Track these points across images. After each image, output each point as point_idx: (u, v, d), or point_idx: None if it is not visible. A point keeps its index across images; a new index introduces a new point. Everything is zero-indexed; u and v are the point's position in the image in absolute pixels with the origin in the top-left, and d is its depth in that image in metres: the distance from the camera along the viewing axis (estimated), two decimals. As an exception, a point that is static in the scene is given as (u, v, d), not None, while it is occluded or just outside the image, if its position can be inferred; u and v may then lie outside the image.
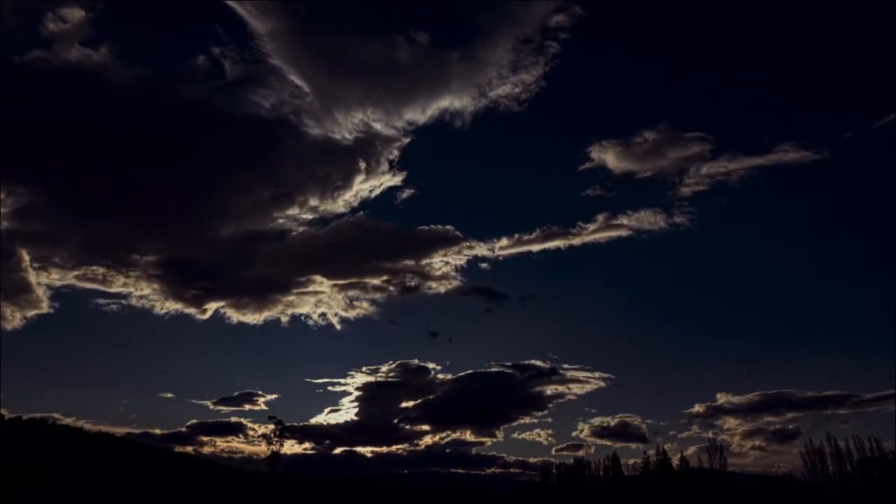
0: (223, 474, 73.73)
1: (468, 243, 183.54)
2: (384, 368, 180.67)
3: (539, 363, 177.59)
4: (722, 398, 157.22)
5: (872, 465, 74.26)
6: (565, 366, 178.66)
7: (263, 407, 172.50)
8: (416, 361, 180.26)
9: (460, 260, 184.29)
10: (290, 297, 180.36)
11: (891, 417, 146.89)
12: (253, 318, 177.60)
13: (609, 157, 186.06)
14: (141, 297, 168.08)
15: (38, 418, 65.82)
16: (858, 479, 73.96)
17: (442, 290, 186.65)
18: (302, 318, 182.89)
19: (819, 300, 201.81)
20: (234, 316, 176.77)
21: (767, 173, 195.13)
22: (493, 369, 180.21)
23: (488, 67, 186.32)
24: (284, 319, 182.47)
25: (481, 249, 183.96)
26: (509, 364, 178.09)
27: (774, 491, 75.53)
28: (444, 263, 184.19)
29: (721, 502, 72.72)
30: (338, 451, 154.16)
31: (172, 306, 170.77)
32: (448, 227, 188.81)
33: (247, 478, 69.85)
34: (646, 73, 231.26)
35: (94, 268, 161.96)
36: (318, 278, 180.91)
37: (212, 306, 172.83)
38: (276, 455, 69.06)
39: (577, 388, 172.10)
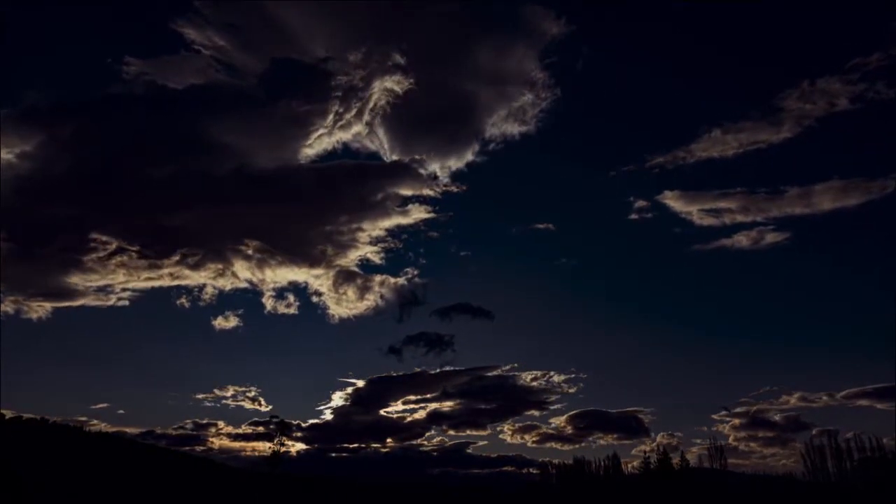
0: (218, 473, 73.18)
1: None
2: (380, 363, 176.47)
3: (537, 360, 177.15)
4: (723, 396, 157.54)
5: (872, 465, 74.33)
6: (566, 360, 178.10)
7: (249, 403, 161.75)
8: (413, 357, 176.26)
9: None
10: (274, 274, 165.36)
11: (891, 417, 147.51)
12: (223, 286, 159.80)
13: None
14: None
15: (37, 419, 65.45)
16: (859, 479, 73.99)
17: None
18: (282, 299, 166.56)
19: (821, 295, 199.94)
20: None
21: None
22: (491, 365, 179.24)
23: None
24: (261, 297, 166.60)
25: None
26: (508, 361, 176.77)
27: (774, 490, 75.62)
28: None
29: (721, 502, 72.78)
30: (330, 449, 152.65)
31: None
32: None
33: (244, 477, 69.31)
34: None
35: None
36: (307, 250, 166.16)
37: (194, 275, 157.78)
38: (276, 455, 68.81)
39: (577, 385, 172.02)
